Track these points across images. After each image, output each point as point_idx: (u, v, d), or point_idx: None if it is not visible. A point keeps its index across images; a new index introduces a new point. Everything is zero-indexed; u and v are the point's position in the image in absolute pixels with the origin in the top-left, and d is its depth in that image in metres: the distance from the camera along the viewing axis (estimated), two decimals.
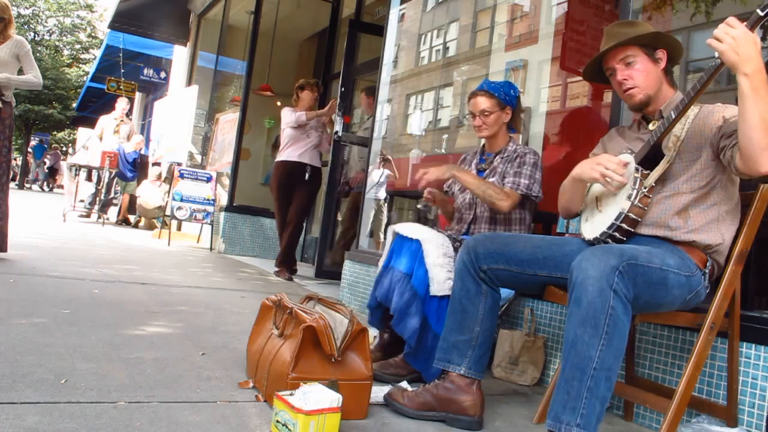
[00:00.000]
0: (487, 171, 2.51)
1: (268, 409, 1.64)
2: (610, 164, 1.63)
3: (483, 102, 2.45)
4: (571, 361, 1.43)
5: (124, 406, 1.50)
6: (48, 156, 22.95)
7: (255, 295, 3.58)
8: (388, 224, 4.84)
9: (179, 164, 6.94)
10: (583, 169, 1.74)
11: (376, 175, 4.70)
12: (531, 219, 2.53)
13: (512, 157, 2.47)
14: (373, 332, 2.39)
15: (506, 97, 2.46)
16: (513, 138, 2.56)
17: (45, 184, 22.03)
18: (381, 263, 2.34)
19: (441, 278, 2.09)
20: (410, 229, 2.26)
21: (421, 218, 4.05)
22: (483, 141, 2.62)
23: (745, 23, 1.40)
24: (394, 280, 2.17)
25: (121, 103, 8.60)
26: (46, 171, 22.48)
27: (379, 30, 4.59)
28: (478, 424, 1.76)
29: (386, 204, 4.88)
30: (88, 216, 8.10)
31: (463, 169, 2.50)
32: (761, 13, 1.38)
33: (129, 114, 12.56)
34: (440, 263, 2.12)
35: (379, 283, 2.26)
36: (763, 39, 2.56)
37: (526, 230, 2.49)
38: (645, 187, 1.63)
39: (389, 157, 4.55)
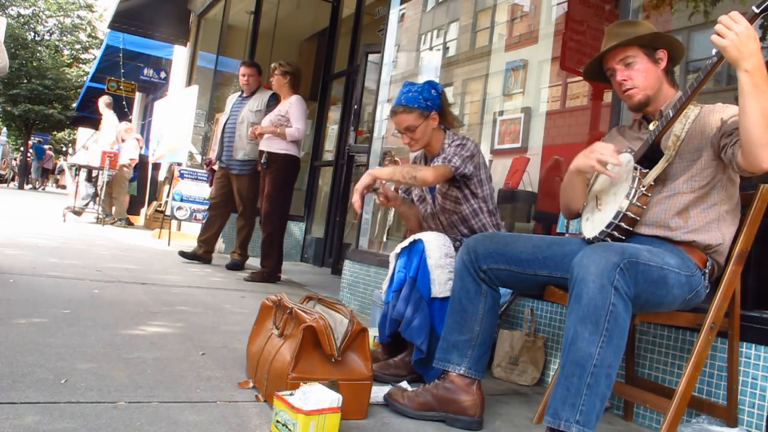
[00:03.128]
0: None
1: (268, 409, 1.64)
2: (604, 150, 1.64)
3: (404, 119, 2.29)
4: (571, 358, 1.43)
5: (124, 406, 1.50)
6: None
7: (255, 295, 3.58)
8: (392, 226, 4.84)
9: (179, 164, 6.94)
10: (580, 160, 1.74)
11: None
12: (489, 202, 2.37)
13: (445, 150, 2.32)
14: (372, 332, 2.39)
15: (427, 102, 2.28)
16: (448, 134, 2.38)
17: (38, 183, 22.16)
18: (384, 287, 2.32)
19: (442, 279, 2.09)
20: (410, 237, 2.25)
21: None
22: None
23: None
24: (402, 295, 2.16)
25: (103, 100, 8.57)
26: (39, 171, 22.64)
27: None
28: (478, 424, 1.76)
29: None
30: (79, 215, 8.07)
31: (377, 168, 2.33)
32: (757, 10, 1.39)
33: (129, 113, 12.56)
34: (441, 264, 2.12)
35: (387, 315, 2.22)
36: (762, 39, 2.56)
37: (488, 217, 2.36)
38: (643, 186, 1.63)
39: (397, 159, 4.54)
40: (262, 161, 4.34)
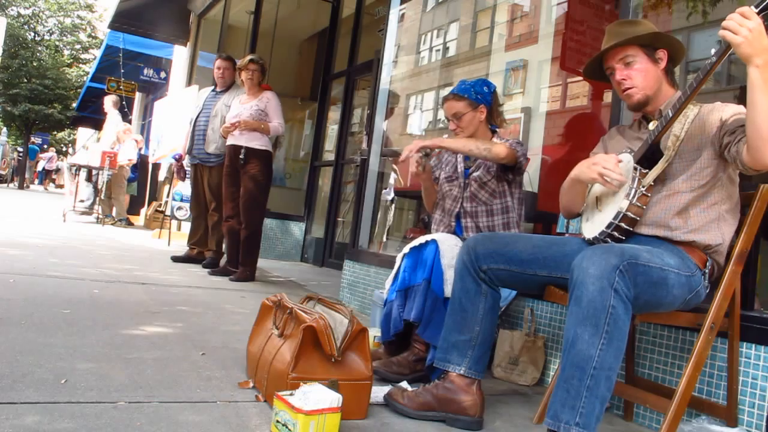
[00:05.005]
0: (472, 168, 2.46)
1: (268, 409, 1.64)
2: (607, 163, 1.64)
3: (453, 105, 2.41)
4: (570, 360, 1.43)
5: (124, 406, 1.50)
6: (41, 157, 23.16)
7: (255, 295, 3.58)
8: (392, 226, 4.85)
9: None
10: (581, 170, 1.74)
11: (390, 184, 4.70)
12: (520, 207, 2.44)
13: None
14: (373, 332, 2.39)
15: (478, 95, 2.40)
16: (496, 134, 2.49)
17: (38, 181, 22.28)
18: (388, 285, 2.32)
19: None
20: (421, 238, 2.26)
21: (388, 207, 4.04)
22: None
23: None
24: (416, 295, 2.16)
25: (110, 99, 8.52)
26: (40, 171, 22.74)
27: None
28: (478, 424, 1.76)
29: (392, 205, 4.88)
30: (90, 214, 8.07)
31: (448, 138, 2.41)
32: (756, 10, 1.39)
33: (129, 113, 12.56)
34: (454, 265, 2.12)
35: (390, 314, 2.23)
36: None
37: (516, 217, 2.42)
38: (643, 186, 1.63)
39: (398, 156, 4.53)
40: (240, 157, 4.16)
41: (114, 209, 8.18)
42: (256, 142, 4.20)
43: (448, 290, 2.10)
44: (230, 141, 4.24)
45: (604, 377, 1.41)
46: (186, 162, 5.04)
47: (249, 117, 4.19)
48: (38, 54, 22.00)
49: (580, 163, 1.76)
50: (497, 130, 2.49)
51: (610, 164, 1.63)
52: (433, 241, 2.20)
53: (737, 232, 1.69)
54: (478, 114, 2.41)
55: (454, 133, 2.46)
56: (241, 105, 4.30)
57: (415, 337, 2.21)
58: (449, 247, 2.17)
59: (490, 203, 2.40)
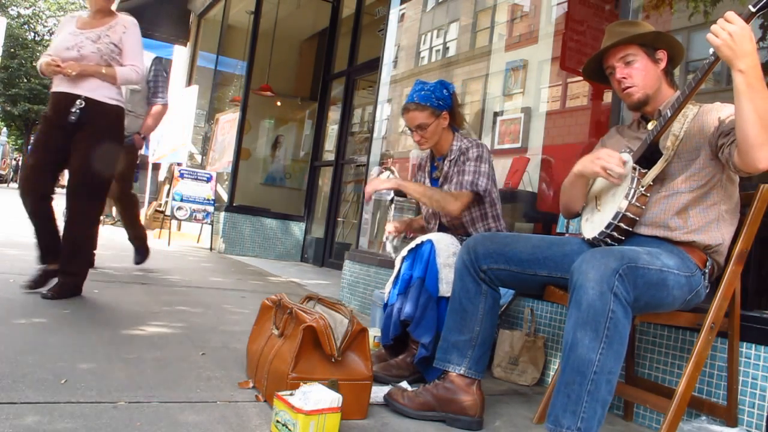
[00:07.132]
0: (440, 179, 2.39)
1: (268, 409, 1.64)
2: (609, 158, 1.64)
3: (416, 116, 2.30)
4: (571, 365, 1.43)
5: (124, 406, 1.50)
6: None
7: (255, 295, 3.58)
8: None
9: (179, 164, 6.94)
10: (584, 164, 1.74)
11: (383, 177, 4.70)
12: (496, 211, 2.38)
13: (457, 157, 2.34)
14: (373, 332, 2.39)
15: (439, 102, 2.30)
16: (457, 135, 2.39)
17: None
18: (388, 288, 2.31)
19: (450, 279, 2.08)
20: (417, 239, 2.25)
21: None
22: None
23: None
24: (411, 293, 2.15)
25: None
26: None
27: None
28: (478, 424, 1.76)
29: (392, 205, 4.89)
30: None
31: (407, 181, 2.35)
32: (753, 9, 1.39)
33: None
34: (450, 263, 2.11)
35: (390, 316, 2.21)
36: (762, 39, 2.56)
37: (495, 224, 2.38)
38: (642, 186, 1.63)
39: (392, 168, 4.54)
40: (73, 111, 2.72)
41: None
42: (103, 91, 2.78)
43: (443, 289, 2.10)
44: (60, 86, 2.78)
45: (605, 381, 1.40)
46: None
47: (95, 52, 2.77)
48: (38, 54, 22.02)
49: (583, 158, 1.76)
50: (458, 131, 2.41)
51: (613, 158, 1.63)
52: (429, 240, 2.19)
53: (737, 231, 1.69)
54: (442, 121, 2.33)
55: (418, 143, 2.36)
56: (80, 33, 2.82)
57: (412, 337, 2.21)
58: (445, 246, 2.16)
59: (459, 217, 2.33)
